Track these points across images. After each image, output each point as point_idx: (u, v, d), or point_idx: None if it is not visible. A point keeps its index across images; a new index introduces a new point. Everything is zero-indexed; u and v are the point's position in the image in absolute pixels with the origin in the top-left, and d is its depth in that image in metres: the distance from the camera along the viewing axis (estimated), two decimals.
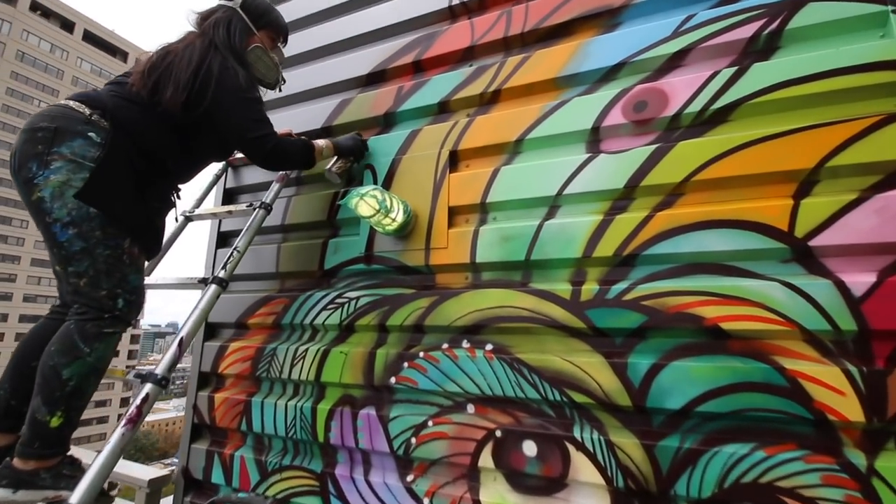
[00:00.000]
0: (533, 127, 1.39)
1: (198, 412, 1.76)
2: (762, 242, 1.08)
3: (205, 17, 1.37)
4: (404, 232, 1.48)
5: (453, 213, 1.47)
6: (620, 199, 1.27)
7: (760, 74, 1.15)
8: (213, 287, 1.37)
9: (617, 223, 1.23)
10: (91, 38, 49.18)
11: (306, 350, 1.57)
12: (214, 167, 1.98)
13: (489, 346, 1.32)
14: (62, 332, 1.09)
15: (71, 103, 1.21)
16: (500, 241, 1.36)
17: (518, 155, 1.44)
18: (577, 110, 1.34)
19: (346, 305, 1.55)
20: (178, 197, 1.51)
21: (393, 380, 1.41)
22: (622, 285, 1.19)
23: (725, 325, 1.07)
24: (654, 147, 1.23)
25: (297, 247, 1.72)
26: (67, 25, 47.11)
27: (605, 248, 1.23)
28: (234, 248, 1.46)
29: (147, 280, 1.53)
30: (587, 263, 1.26)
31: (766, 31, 1.17)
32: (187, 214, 1.76)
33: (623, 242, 1.21)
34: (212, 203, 2.02)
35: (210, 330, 1.87)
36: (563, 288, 1.25)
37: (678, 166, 1.19)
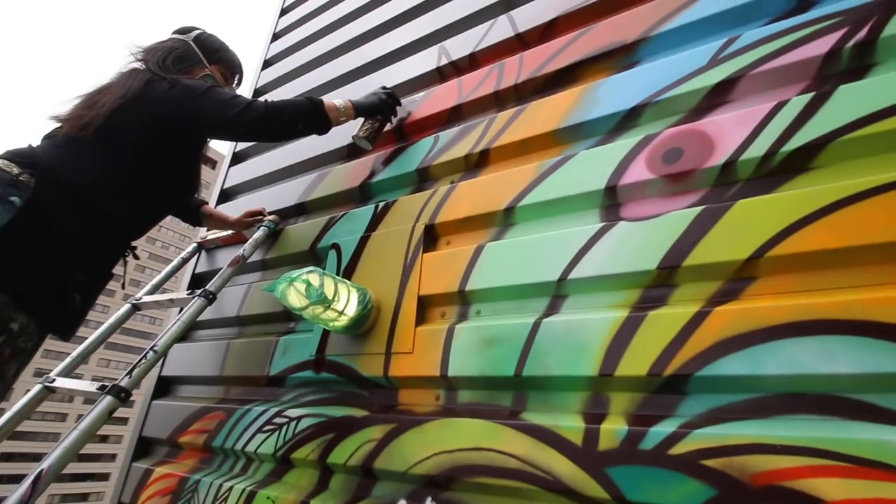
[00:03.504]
0: (528, 191, 1.05)
1: None
2: None
3: (149, 50, 1.24)
4: (361, 329, 1.12)
5: (425, 303, 1.10)
6: (654, 287, 0.85)
7: (853, 99, 0.77)
8: (106, 400, 1.04)
9: (651, 322, 0.80)
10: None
11: (230, 489, 1.15)
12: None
13: None
14: None
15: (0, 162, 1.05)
16: (480, 346, 0.95)
17: (510, 227, 1.08)
18: (586, 166, 0.99)
19: (285, 428, 1.15)
20: (134, 257, 1.28)
21: None
22: (667, 428, 0.72)
23: None
24: (699, 209, 0.83)
25: (247, 345, 1.39)
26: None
27: (635, 362, 0.78)
28: (151, 349, 1.14)
29: (47, 381, 1.24)
30: (608, 386, 0.82)
31: (849, 44, 0.81)
32: (134, 302, 1.51)
33: (663, 354, 0.77)
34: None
35: (143, 446, 1.51)
36: (572, 426, 0.80)
37: (741, 236, 0.78)
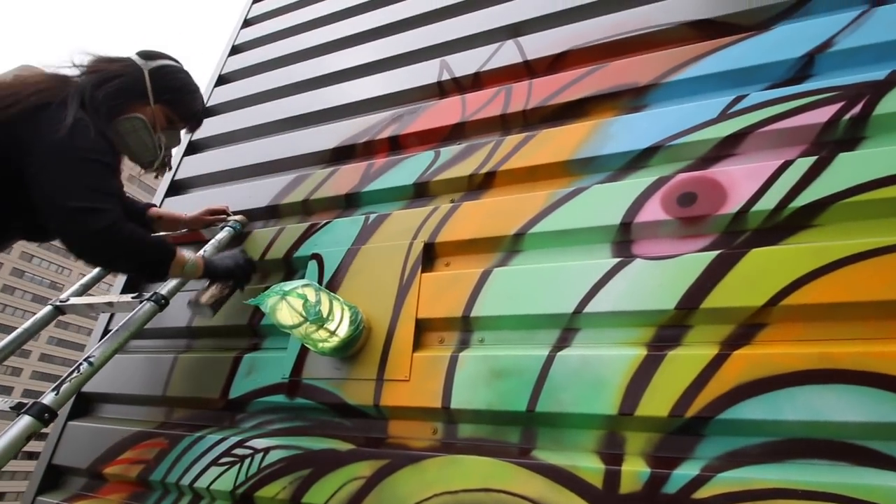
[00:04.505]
0: (539, 219, 1.03)
1: None
2: None
3: (93, 65, 1.05)
4: (349, 351, 1.02)
5: (423, 327, 1.03)
6: (669, 326, 0.86)
7: (852, 167, 0.84)
8: (24, 421, 0.87)
9: (671, 362, 0.80)
10: None
11: None
12: None
13: None
14: None
15: None
16: (488, 378, 0.90)
17: (518, 254, 1.05)
18: (600, 200, 1.00)
19: (249, 461, 1.01)
20: None
21: None
22: (689, 471, 0.72)
23: None
24: (714, 254, 0.86)
25: (200, 361, 1.22)
26: None
27: (657, 402, 0.78)
28: (86, 360, 0.96)
29: None
30: (625, 425, 0.80)
31: (846, 117, 0.89)
32: (58, 304, 1.27)
33: (685, 395, 0.77)
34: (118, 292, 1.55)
35: (52, 476, 1.26)
36: (591, 467, 0.77)
37: (755, 283, 0.81)
